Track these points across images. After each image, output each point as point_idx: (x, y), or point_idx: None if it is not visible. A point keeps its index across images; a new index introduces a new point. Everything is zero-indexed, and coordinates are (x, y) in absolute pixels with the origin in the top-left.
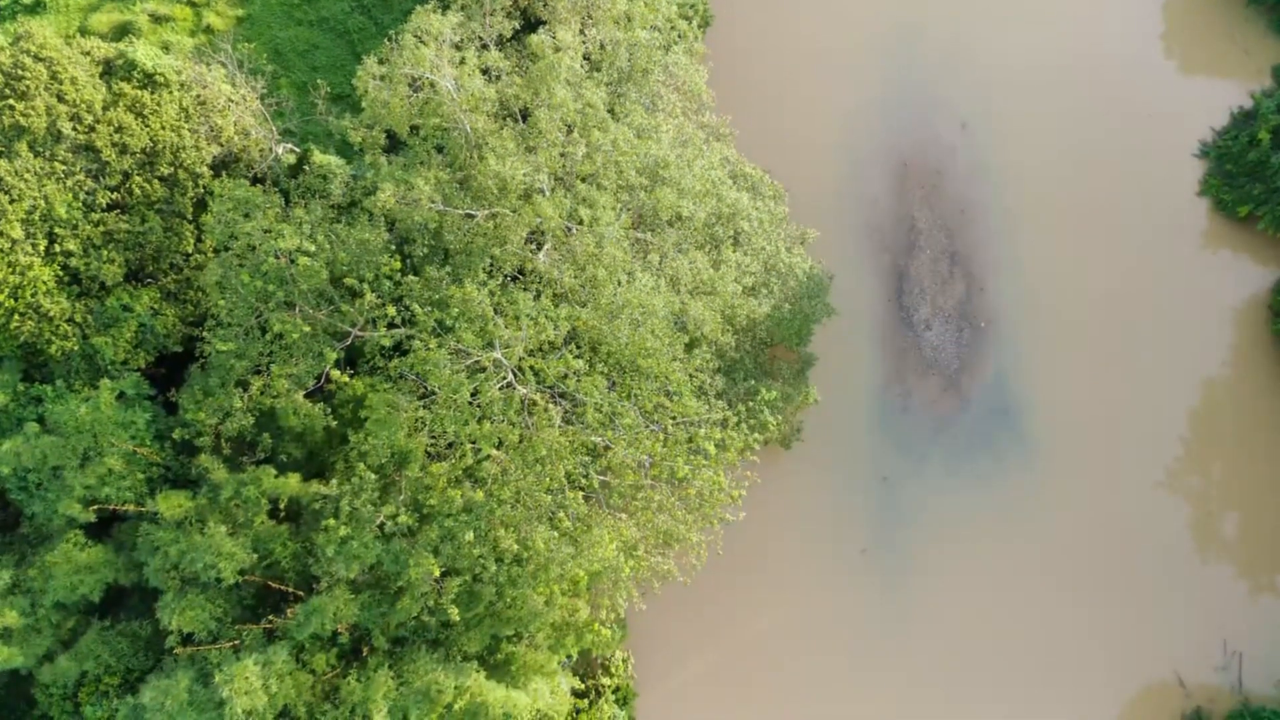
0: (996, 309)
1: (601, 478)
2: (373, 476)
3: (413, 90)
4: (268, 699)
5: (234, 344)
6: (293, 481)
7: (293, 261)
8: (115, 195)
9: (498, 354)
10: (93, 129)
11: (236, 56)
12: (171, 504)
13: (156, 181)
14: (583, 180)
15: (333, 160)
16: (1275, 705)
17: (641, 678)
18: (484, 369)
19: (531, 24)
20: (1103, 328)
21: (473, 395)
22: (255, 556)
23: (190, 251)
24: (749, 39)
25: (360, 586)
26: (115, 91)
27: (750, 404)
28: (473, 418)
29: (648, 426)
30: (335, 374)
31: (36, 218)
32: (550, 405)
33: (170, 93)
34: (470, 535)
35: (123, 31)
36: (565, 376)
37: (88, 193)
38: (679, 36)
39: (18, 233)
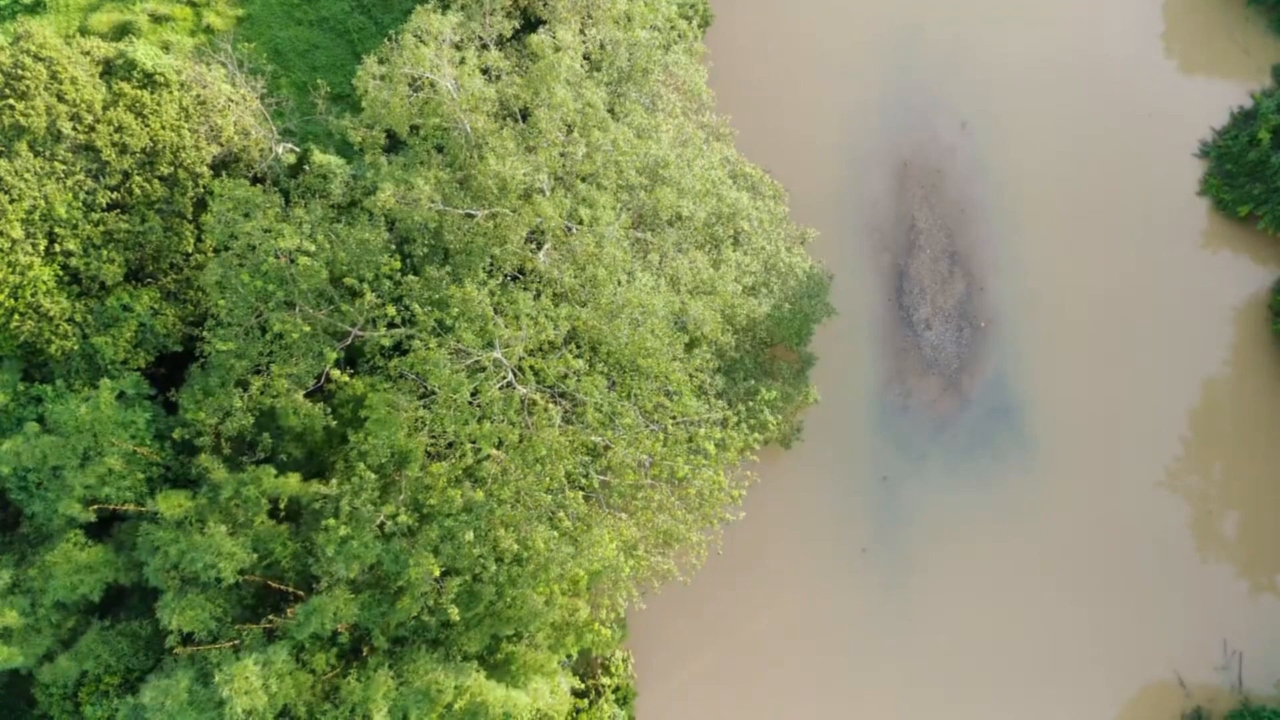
0: (996, 308)
1: (601, 477)
2: (373, 476)
3: (413, 90)
4: (268, 699)
5: (234, 344)
6: (293, 481)
7: (293, 261)
8: (115, 195)
9: (498, 354)
10: (93, 129)
11: (236, 56)
12: (171, 504)
13: (156, 181)
14: (583, 180)
15: (333, 160)
16: (1275, 705)
17: (641, 677)
18: (484, 369)
19: (531, 24)
20: (1103, 327)
21: (473, 395)
22: (255, 556)
23: (190, 251)
24: (749, 39)
25: (360, 586)
26: (115, 91)
27: (750, 404)
28: (473, 417)
29: (648, 426)
30: (335, 374)
31: (36, 217)
32: (550, 405)
33: (170, 92)
34: (470, 535)
35: (123, 31)
36: (565, 376)
37: (88, 192)
38: (679, 36)
39: (18, 232)
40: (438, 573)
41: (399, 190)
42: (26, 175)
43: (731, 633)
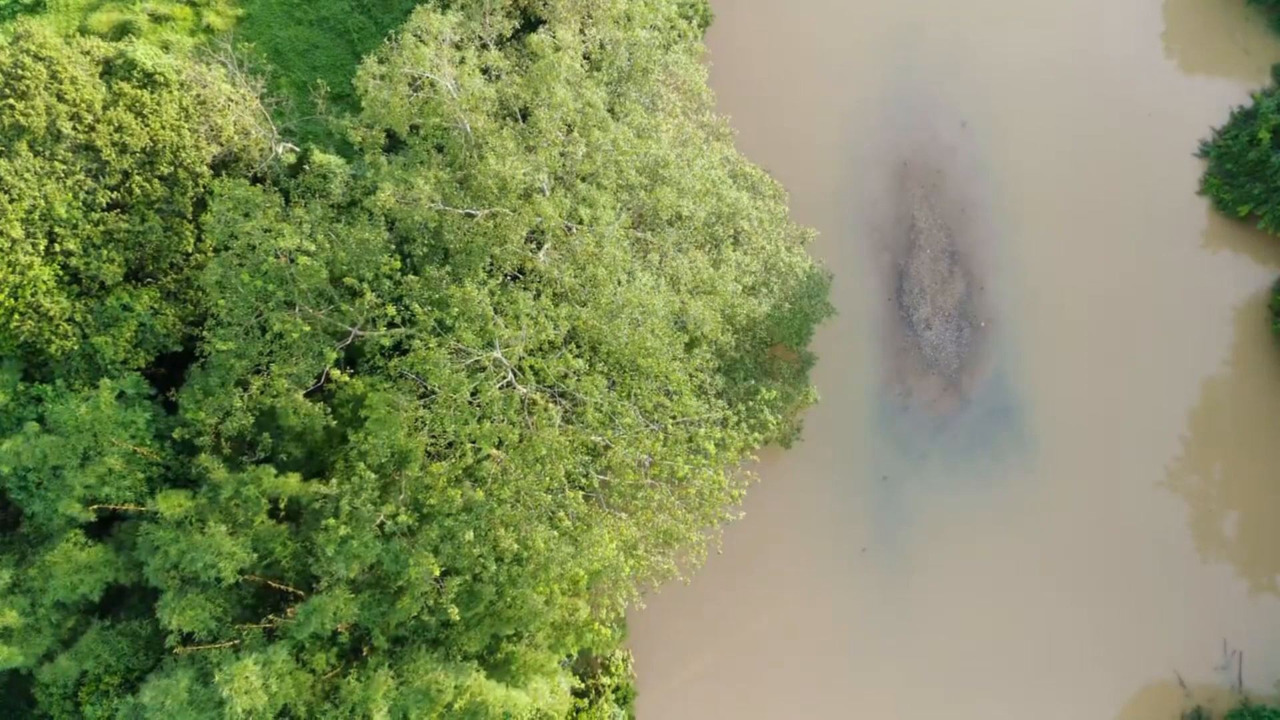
0: (996, 308)
1: (601, 477)
2: (373, 476)
3: (412, 90)
4: (268, 698)
5: (234, 343)
6: (293, 481)
7: (293, 261)
8: (115, 195)
9: (498, 353)
10: (93, 128)
11: (236, 56)
12: (171, 503)
13: (156, 181)
14: (583, 180)
15: (333, 160)
16: (1275, 705)
17: (641, 677)
18: (484, 368)
19: (531, 23)
20: (1103, 327)
21: (473, 395)
22: (255, 556)
23: (190, 251)
24: (749, 39)
25: (360, 586)
26: (115, 91)
27: (750, 403)
28: (473, 417)
29: (648, 426)
30: (335, 373)
31: (36, 217)
32: (550, 405)
33: (170, 92)
34: (470, 535)
35: (122, 31)
36: (565, 376)
37: (88, 192)
38: (679, 36)
39: (18, 232)
40: (438, 572)
41: (399, 190)
42: (26, 175)
43: (731, 633)
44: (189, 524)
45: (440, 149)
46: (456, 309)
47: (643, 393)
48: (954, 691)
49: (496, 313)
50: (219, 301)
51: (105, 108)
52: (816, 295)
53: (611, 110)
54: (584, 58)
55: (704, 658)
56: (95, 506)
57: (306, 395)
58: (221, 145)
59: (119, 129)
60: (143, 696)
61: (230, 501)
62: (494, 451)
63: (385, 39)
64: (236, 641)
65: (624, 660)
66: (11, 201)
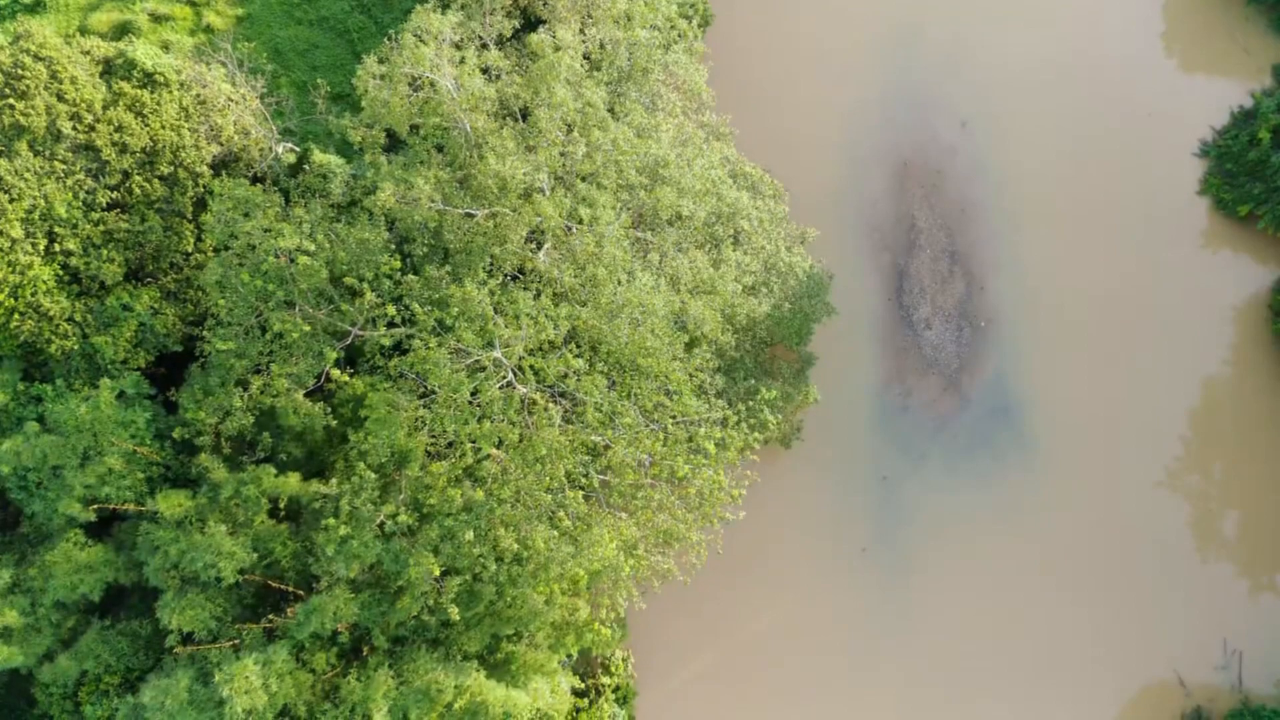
0: (996, 308)
1: (601, 477)
2: (373, 476)
3: (412, 89)
4: (268, 698)
5: (234, 343)
6: (292, 481)
7: (293, 261)
8: (115, 194)
9: (497, 353)
10: (92, 128)
11: (236, 56)
12: (171, 503)
13: (156, 181)
14: (583, 179)
15: (333, 159)
16: (1275, 704)
17: (641, 677)
18: (484, 368)
19: (531, 23)
20: (1103, 327)
21: (473, 394)
22: (255, 556)
23: (190, 251)
24: (749, 39)
25: (360, 586)
26: (115, 91)
27: (750, 403)
28: (473, 417)
29: (647, 426)
30: (335, 373)
31: (36, 217)
32: (550, 404)
33: (170, 92)
34: (470, 534)
35: (122, 31)
36: (565, 376)
37: (88, 192)
38: (679, 36)
39: (18, 232)
40: (438, 572)
41: (399, 190)
42: (26, 175)
43: (731, 633)
44: (189, 524)
45: (440, 149)
46: (456, 309)
47: (643, 392)
48: (954, 691)
49: (496, 312)
50: (219, 301)
51: (105, 107)
52: (816, 295)
53: (611, 110)
54: (584, 57)
55: (704, 658)
56: (95, 506)
57: (306, 395)
58: (221, 145)
59: (119, 129)
60: (143, 696)
61: (230, 501)
62: (494, 451)
63: (385, 39)
64: (236, 641)
65: (624, 660)
66: (11, 201)
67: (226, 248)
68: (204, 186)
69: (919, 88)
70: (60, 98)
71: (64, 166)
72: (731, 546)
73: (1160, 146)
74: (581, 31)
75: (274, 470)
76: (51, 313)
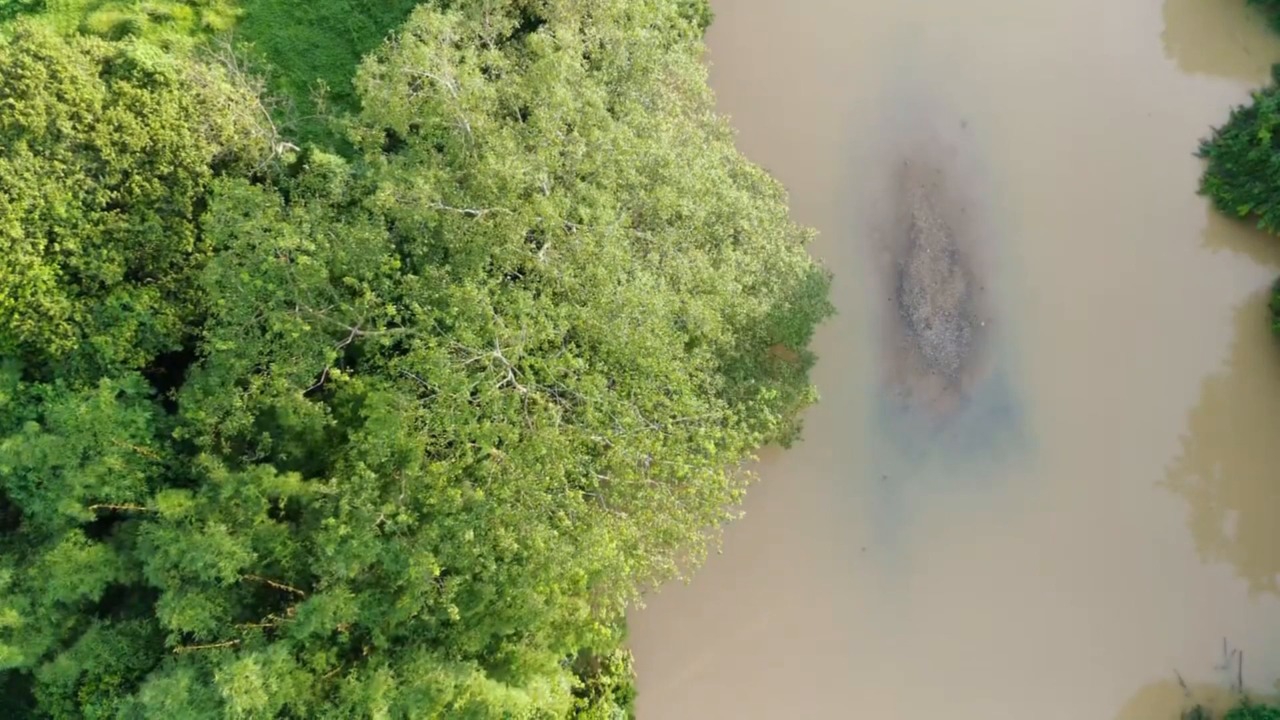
0: (997, 308)
1: (601, 477)
2: (373, 475)
3: (412, 89)
4: (268, 698)
5: (234, 343)
6: (292, 480)
7: (292, 260)
8: (115, 194)
9: (497, 353)
10: (92, 128)
11: (236, 55)
12: (171, 503)
13: (156, 180)
14: (582, 179)
15: (333, 159)
16: (1275, 704)
17: (641, 677)
18: (484, 368)
19: (531, 23)
20: (1103, 327)
21: (472, 394)
22: (255, 555)
23: (190, 250)
24: (749, 38)
25: (360, 585)
26: (115, 90)
27: (750, 403)
28: (472, 417)
29: (647, 425)
30: (335, 373)
31: (36, 217)
32: (550, 404)
33: (170, 92)
34: (470, 534)
35: (122, 30)
36: (565, 375)
37: (88, 192)
38: (679, 35)
39: (18, 232)
40: (438, 572)
41: (399, 189)
42: (26, 175)
43: (731, 632)
44: (189, 523)
45: (440, 148)
46: (456, 308)
47: (643, 392)
48: (954, 691)
49: (496, 312)
50: (219, 301)
51: (105, 107)
52: (816, 295)
53: (611, 110)
54: (584, 57)
55: (704, 658)
56: (95, 506)
57: (306, 395)
58: (221, 145)
59: (119, 128)
60: (143, 696)
61: (230, 501)
62: (494, 451)
63: (385, 38)
64: (236, 641)
65: (624, 660)
66: (11, 201)
67: (226, 247)
68: (204, 186)
69: (919, 88)
70: (60, 97)
71: (64, 166)
72: (731, 546)
73: (1160, 146)
74: (581, 31)
75: (274, 470)
76: (51, 312)
